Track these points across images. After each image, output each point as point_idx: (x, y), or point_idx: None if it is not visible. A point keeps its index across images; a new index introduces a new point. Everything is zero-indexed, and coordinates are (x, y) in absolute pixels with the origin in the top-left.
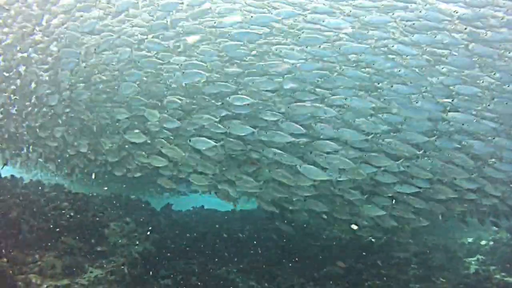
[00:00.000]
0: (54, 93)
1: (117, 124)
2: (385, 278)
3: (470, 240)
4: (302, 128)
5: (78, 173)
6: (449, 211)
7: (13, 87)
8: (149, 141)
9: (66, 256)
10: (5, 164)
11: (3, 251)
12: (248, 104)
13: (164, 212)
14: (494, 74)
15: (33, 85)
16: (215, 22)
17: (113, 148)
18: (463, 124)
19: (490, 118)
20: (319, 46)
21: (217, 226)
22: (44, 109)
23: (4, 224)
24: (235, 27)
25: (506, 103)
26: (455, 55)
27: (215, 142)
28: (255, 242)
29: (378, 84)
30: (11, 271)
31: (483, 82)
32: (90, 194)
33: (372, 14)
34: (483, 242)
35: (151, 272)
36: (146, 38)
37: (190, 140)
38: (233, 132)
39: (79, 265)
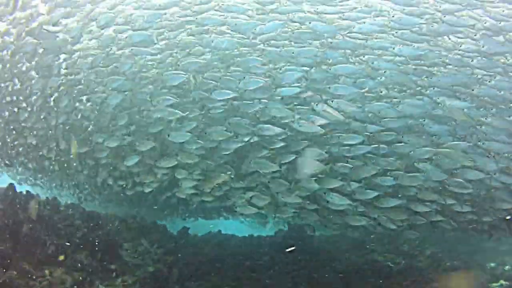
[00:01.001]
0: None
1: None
2: None
3: (493, 264)
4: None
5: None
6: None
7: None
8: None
9: (76, 272)
10: None
11: (14, 263)
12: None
13: (180, 235)
14: (489, 81)
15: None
16: (196, 18)
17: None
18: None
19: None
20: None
21: (233, 250)
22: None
23: (16, 237)
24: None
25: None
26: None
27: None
28: (271, 267)
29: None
30: (19, 284)
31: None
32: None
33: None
34: (507, 267)
35: None
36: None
37: (168, 135)
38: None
39: (89, 282)
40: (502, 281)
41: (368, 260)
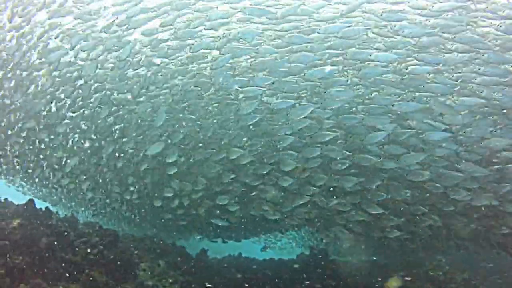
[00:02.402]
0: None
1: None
2: None
3: None
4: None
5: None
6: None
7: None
8: None
9: None
10: None
11: (28, 278)
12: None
13: (198, 257)
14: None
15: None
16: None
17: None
18: None
19: None
20: None
21: (252, 273)
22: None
23: (32, 251)
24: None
25: None
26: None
27: None
28: None
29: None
30: None
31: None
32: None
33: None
34: None
35: None
36: None
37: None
38: None
39: None
40: None
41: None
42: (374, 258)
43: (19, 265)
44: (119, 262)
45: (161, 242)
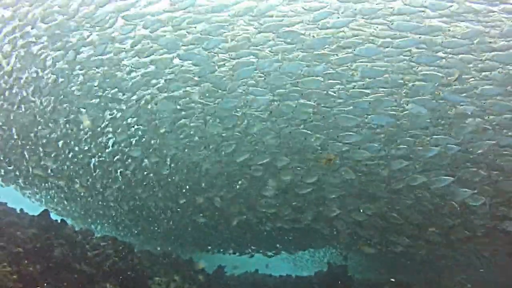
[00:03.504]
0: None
1: None
2: None
3: None
4: None
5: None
6: None
7: None
8: None
9: None
10: None
11: (41, 286)
12: None
13: (215, 274)
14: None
15: None
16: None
17: None
18: None
19: None
20: None
21: None
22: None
23: (45, 261)
24: None
25: None
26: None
27: None
28: None
29: None
30: None
31: None
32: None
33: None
34: None
35: None
36: None
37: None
38: None
39: None
40: None
41: None
42: (394, 276)
43: (33, 274)
44: (133, 275)
45: (178, 257)
